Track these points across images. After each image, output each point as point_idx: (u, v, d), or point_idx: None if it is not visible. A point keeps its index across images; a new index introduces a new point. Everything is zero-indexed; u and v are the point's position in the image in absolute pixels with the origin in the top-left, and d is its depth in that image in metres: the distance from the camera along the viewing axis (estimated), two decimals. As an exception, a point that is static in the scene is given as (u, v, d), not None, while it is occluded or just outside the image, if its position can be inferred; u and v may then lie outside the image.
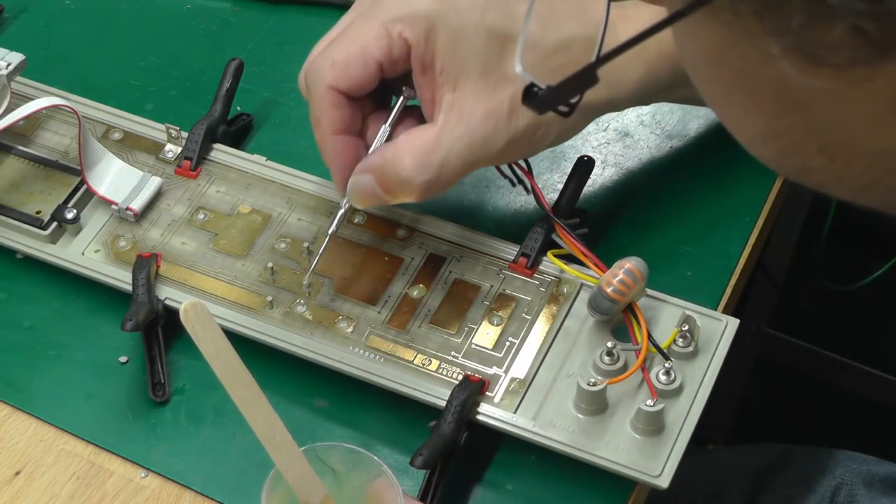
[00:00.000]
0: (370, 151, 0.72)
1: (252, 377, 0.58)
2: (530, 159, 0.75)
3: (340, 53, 0.70)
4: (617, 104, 0.76)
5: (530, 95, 0.48)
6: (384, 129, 0.73)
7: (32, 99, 0.80)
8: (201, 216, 0.79)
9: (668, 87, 0.76)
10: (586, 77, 0.47)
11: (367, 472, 0.62)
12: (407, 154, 0.70)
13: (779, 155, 0.47)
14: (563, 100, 0.49)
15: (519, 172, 0.76)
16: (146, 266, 0.75)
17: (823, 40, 0.40)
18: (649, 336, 0.71)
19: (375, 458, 0.62)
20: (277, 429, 0.59)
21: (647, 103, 0.80)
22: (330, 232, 0.74)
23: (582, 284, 0.74)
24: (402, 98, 0.73)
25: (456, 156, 0.70)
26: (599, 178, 0.84)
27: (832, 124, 0.44)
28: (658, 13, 0.44)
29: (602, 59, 0.46)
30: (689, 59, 0.47)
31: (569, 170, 0.78)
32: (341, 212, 0.74)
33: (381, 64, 0.70)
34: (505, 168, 0.77)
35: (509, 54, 0.69)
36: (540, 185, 0.82)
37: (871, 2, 0.38)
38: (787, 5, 0.39)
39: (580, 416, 0.70)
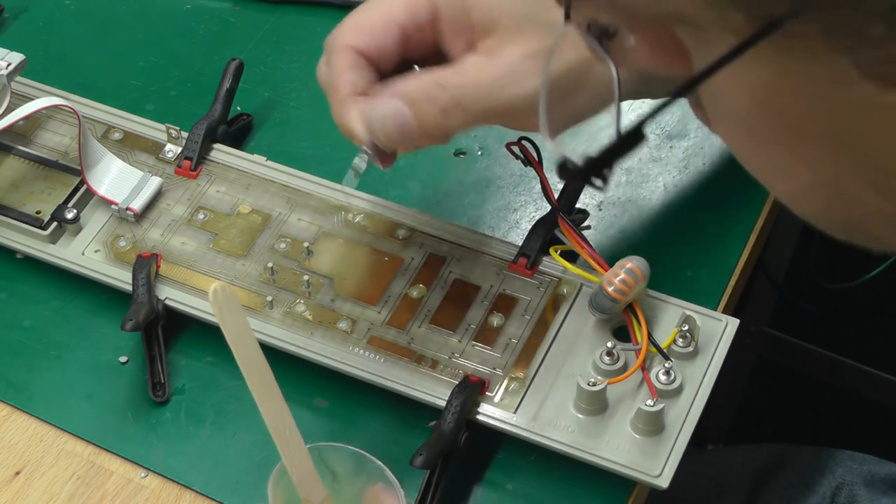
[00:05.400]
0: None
1: (269, 368, 0.58)
2: (540, 148, 0.74)
3: (363, 16, 0.66)
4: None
5: (566, 168, 0.45)
6: None
7: (32, 99, 0.80)
8: (201, 216, 0.79)
9: None
10: (633, 138, 0.44)
11: (368, 476, 0.62)
12: (435, 78, 0.64)
13: (827, 205, 0.44)
14: (607, 164, 0.45)
15: (530, 160, 0.75)
16: (146, 266, 0.75)
17: None
18: (649, 336, 0.71)
19: (379, 462, 0.62)
20: (287, 422, 0.59)
21: None
22: (345, 181, 0.66)
23: (582, 284, 0.74)
24: None
25: (486, 90, 0.64)
26: (599, 178, 0.83)
27: (890, 152, 0.41)
28: None
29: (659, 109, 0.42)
30: (729, 109, 0.43)
31: (569, 170, 0.78)
32: (363, 159, 0.66)
33: (405, 29, 0.65)
34: (515, 149, 0.74)
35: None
36: (540, 185, 0.83)
37: None
38: (863, 20, 0.37)
39: (580, 416, 0.70)
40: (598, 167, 0.45)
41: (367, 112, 0.64)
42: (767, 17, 0.38)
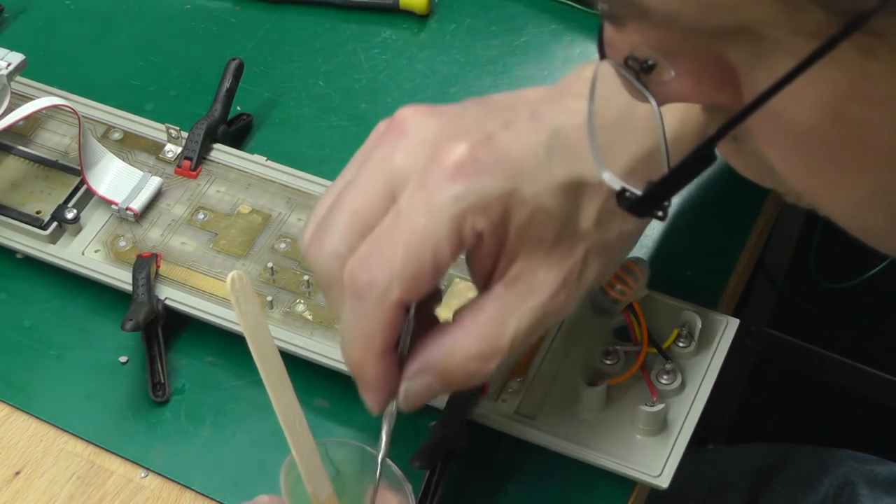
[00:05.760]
0: (408, 353, 0.61)
1: (282, 359, 0.58)
2: None
3: (409, 261, 0.57)
4: None
5: (626, 198, 0.44)
6: (409, 322, 0.61)
7: (32, 99, 0.80)
8: (201, 216, 0.79)
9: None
10: (704, 156, 0.41)
11: (373, 474, 0.62)
12: (471, 344, 0.60)
13: (890, 213, 0.42)
14: (671, 192, 0.43)
15: None
16: (146, 266, 0.75)
17: None
18: (649, 336, 0.71)
19: (388, 460, 0.62)
20: (298, 416, 0.59)
21: None
22: (381, 458, 0.62)
23: (582, 284, 0.74)
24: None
25: (525, 331, 0.60)
26: (599, 177, 0.83)
27: None
28: None
29: (729, 126, 0.40)
30: (789, 127, 0.41)
31: (569, 170, 0.78)
32: (387, 429, 0.62)
33: (447, 268, 0.59)
34: None
35: (585, 203, 0.60)
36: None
37: None
38: None
39: (580, 416, 0.70)
40: (659, 196, 0.43)
41: (403, 393, 0.61)
42: (851, 12, 0.36)
